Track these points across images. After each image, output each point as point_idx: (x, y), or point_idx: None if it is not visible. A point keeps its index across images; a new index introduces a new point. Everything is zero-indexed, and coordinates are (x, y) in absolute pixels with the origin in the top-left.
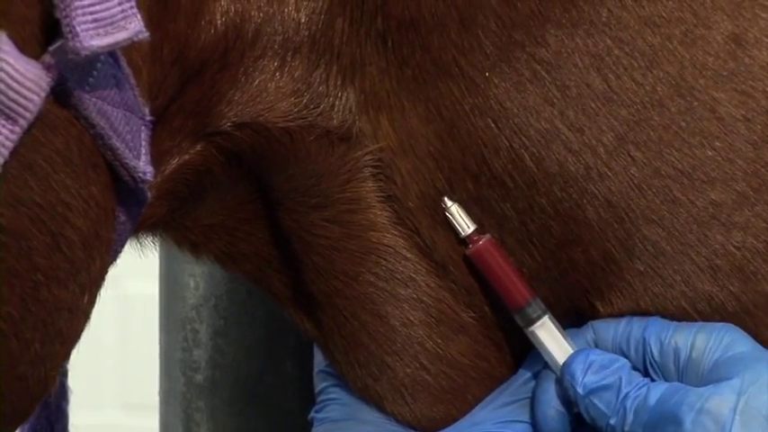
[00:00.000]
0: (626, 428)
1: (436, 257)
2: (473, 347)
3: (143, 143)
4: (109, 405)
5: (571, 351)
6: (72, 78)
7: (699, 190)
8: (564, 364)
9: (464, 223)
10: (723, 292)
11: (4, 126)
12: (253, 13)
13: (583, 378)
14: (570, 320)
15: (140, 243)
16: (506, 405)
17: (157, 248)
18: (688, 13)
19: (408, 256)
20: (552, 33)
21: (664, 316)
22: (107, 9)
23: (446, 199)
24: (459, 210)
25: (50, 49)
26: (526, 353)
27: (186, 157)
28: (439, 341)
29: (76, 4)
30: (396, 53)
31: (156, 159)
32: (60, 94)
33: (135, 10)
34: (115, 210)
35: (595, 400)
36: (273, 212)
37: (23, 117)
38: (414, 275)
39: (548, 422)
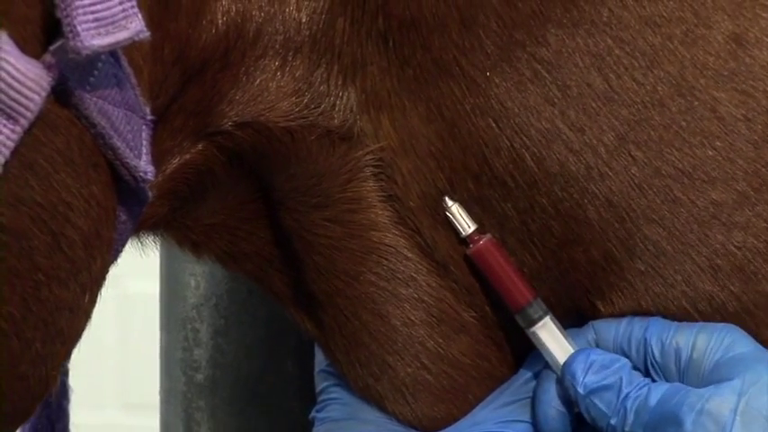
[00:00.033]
0: (626, 429)
1: (437, 257)
2: (474, 347)
3: (144, 142)
4: (109, 404)
5: (572, 351)
6: (73, 78)
7: (699, 190)
8: (565, 363)
9: (465, 223)
10: (724, 292)
11: (5, 126)
12: (254, 13)
13: (583, 378)
14: (571, 320)
15: (141, 242)
16: (507, 405)
17: (158, 248)
18: (689, 13)
19: (409, 255)
20: (553, 33)
21: (665, 316)
22: (108, 8)
23: (447, 199)
24: (460, 209)
25: (51, 48)
26: (527, 352)
27: (187, 156)
28: (440, 341)
29: (77, 3)
30: (397, 53)
31: (157, 159)
32: (61, 94)
33: (136, 9)
34: (116, 209)
35: (596, 400)
36: (274, 212)
37: (24, 116)
38: (415, 275)
39: (548, 422)
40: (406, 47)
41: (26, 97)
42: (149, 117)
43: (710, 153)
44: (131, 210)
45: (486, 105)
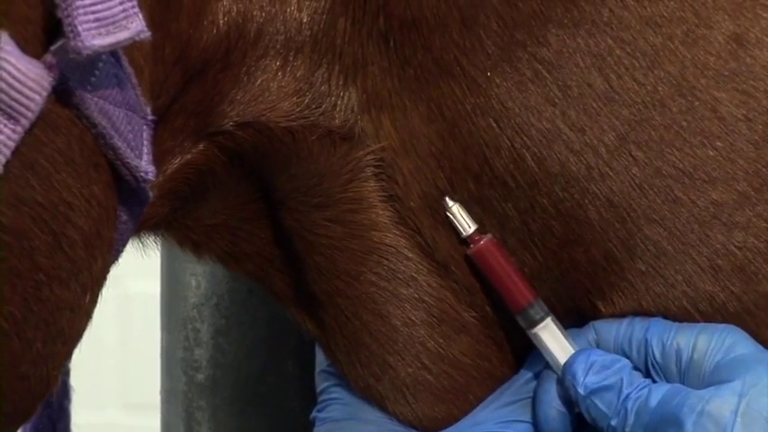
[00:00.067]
0: (627, 430)
1: (438, 257)
2: (475, 347)
3: (145, 142)
4: (110, 404)
5: (573, 351)
6: (74, 78)
7: (700, 190)
8: (565, 364)
9: (465, 223)
10: (724, 293)
11: (5, 125)
12: (255, 13)
13: (584, 378)
14: (572, 320)
15: (142, 242)
16: (508, 405)
17: (159, 248)
18: (689, 13)
19: (410, 255)
20: (554, 33)
21: (665, 316)
22: (109, 8)
23: (447, 199)
24: (461, 210)
25: (52, 48)
26: (527, 352)
27: (188, 156)
28: (440, 341)
29: (78, 3)
30: (398, 53)
31: (158, 159)
32: (62, 94)
33: (136, 9)
34: (117, 209)
35: (596, 401)
36: (275, 212)
37: (25, 116)
38: (415, 275)
39: (549, 422)
40: (406, 47)
41: (27, 97)
42: (150, 117)
43: (711, 153)
44: (132, 210)
45: (487, 105)
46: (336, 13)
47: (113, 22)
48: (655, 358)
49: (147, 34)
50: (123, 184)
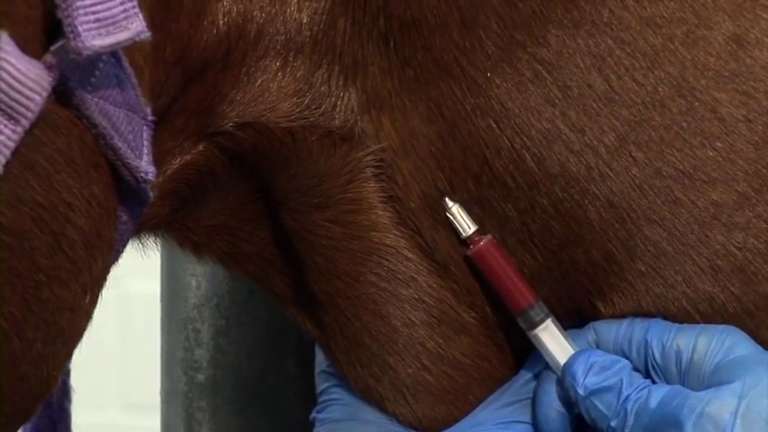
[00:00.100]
0: (626, 431)
1: (438, 258)
2: (474, 348)
3: (145, 143)
4: (110, 405)
5: (573, 352)
6: (74, 78)
7: (700, 190)
8: (565, 364)
9: (465, 224)
10: (724, 293)
11: (5, 126)
12: (255, 14)
13: (584, 379)
14: (572, 321)
15: (142, 243)
16: (507, 405)
17: (159, 248)
18: (689, 14)
19: (410, 256)
20: (554, 34)
21: (665, 317)
22: (109, 9)
23: (447, 199)
24: (461, 210)
25: (52, 48)
26: (527, 353)
27: (188, 157)
28: (440, 341)
29: (78, 3)
30: (398, 53)
31: (158, 159)
32: (62, 94)
33: (137, 10)
34: (117, 210)
35: (596, 402)
36: (275, 213)
37: (25, 117)
38: (415, 276)
39: (549, 423)
40: (406, 47)
41: (27, 97)
42: (150, 117)
43: (711, 154)
44: (132, 210)
45: (487, 106)
46: (336, 13)
47: (114, 23)
48: (655, 359)
49: (147, 35)
50: (123, 185)
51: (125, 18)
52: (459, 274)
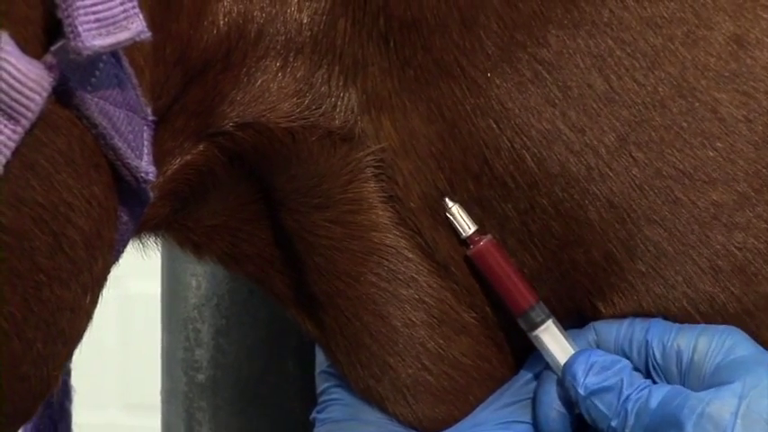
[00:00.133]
0: (627, 431)
1: (438, 258)
2: (475, 348)
3: (145, 143)
4: (110, 405)
5: (573, 352)
6: (74, 78)
7: (700, 190)
8: (565, 364)
9: (465, 224)
10: (725, 294)
11: (6, 126)
12: (255, 14)
13: (584, 379)
14: (572, 321)
15: (143, 243)
16: (508, 406)
17: (159, 248)
18: (690, 14)
19: (410, 256)
20: (554, 34)
21: (666, 317)
22: (109, 9)
23: (447, 200)
24: (461, 210)
25: (52, 49)
26: (527, 353)
27: (188, 157)
28: (441, 342)
29: (78, 4)
30: (398, 54)
31: (159, 159)
32: (62, 94)
33: (137, 10)
34: (117, 210)
35: (596, 402)
36: (275, 213)
37: (25, 117)
38: (415, 276)
39: (549, 423)
40: (406, 47)
41: (27, 98)
42: (151, 118)
43: (711, 154)
44: (133, 210)
45: (487, 106)
46: (336, 13)
47: (114, 23)
48: (655, 359)
49: (147, 35)
50: (124, 185)
51: (125, 18)
52: (460, 275)
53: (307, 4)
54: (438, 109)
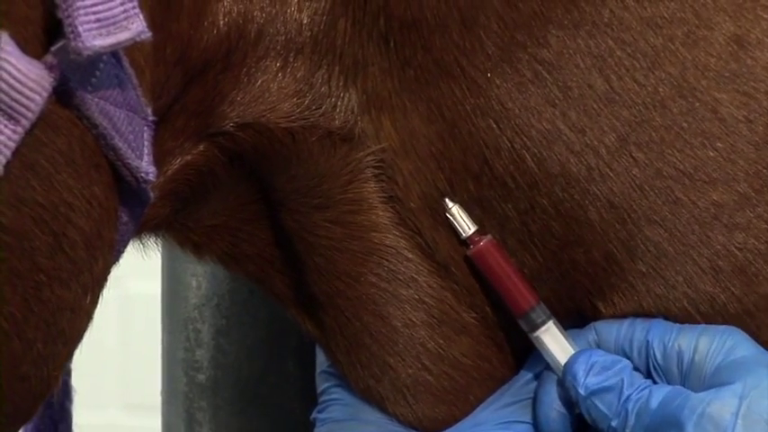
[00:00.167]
0: (627, 431)
1: (438, 258)
2: (475, 348)
3: (146, 143)
4: (111, 405)
5: (573, 353)
6: (74, 78)
7: (700, 191)
8: (566, 364)
9: (465, 224)
10: (725, 294)
11: (6, 126)
12: (255, 14)
13: (585, 379)
14: (572, 321)
15: (143, 243)
16: (508, 406)
17: (160, 249)
18: (690, 14)
19: (410, 256)
20: (554, 34)
21: (666, 317)
22: (109, 9)
23: (447, 200)
24: (460, 211)
25: (53, 49)
26: (528, 353)
27: (189, 157)
28: (441, 342)
29: (78, 4)
30: (398, 54)
31: (159, 160)
32: (62, 95)
33: (137, 10)
34: (117, 210)
35: (597, 402)
36: (275, 213)
37: (25, 117)
38: (415, 276)
39: (549, 423)
40: (407, 47)
41: (27, 98)
42: (151, 118)
43: (711, 154)
44: (133, 210)
45: (487, 106)
46: (337, 14)
47: (114, 23)
48: (656, 360)
49: (147, 35)
50: (124, 185)
51: (125, 18)
52: (460, 275)
53: (307, 4)
54: (438, 109)
